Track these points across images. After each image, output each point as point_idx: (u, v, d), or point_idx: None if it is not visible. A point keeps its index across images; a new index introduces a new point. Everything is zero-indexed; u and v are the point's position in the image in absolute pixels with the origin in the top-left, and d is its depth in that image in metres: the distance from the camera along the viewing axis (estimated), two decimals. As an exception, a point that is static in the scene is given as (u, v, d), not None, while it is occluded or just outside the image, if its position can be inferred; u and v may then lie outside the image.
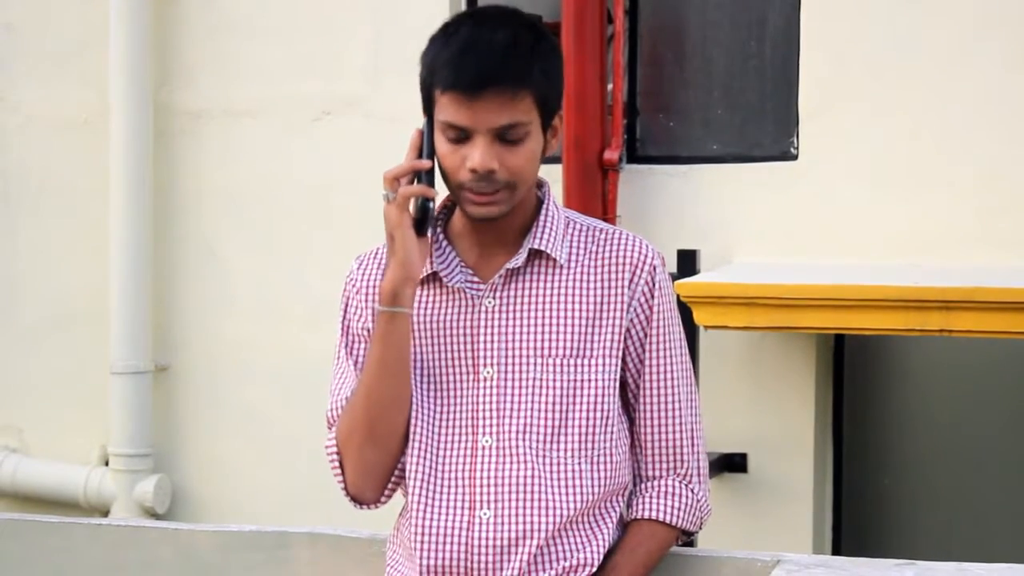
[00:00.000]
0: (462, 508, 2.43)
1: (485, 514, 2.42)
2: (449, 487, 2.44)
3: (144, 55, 5.92)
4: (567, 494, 2.43)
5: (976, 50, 5.03)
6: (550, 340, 2.44)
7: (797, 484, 5.30)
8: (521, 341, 2.45)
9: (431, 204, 2.40)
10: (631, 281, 2.47)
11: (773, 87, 5.44)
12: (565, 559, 2.43)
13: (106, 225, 5.97)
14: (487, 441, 2.44)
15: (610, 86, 5.48)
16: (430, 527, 2.43)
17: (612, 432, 2.47)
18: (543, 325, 2.45)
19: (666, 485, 2.52)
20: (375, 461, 2.47)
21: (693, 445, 2.53)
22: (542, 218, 2.47)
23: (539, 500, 2.41)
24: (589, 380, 2.45)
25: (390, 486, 2.50)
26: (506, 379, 2.44)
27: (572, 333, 2.45)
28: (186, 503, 6.07)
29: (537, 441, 2.43)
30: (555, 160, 5.26)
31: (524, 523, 2.41)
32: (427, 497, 2.45)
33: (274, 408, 5.88)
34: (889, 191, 5.14)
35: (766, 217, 5.29)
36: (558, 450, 2.44)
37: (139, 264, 5.96)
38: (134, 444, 5.97)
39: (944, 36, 5.06)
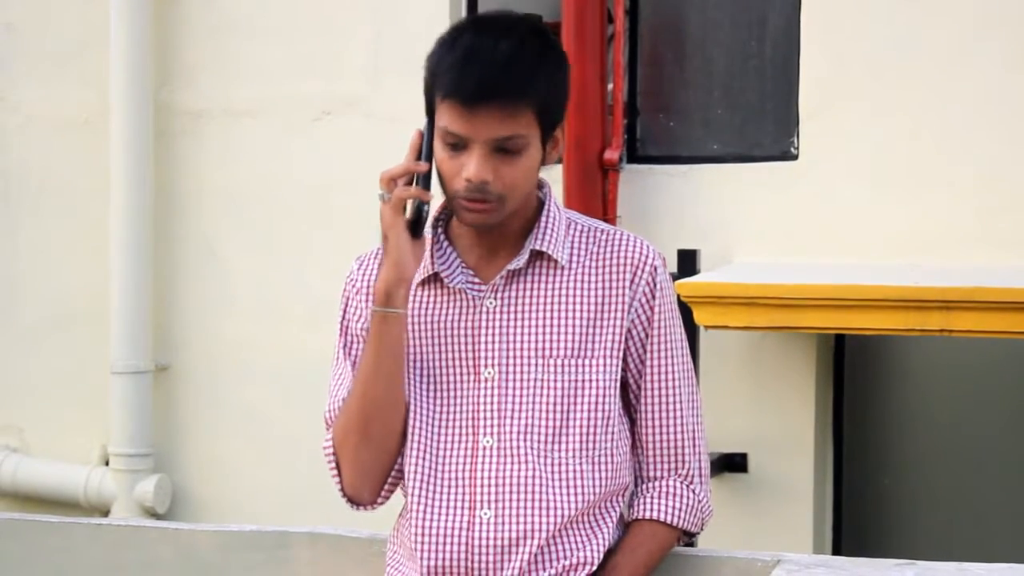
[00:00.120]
0: (462, 508, 2.43)
1: (486, 514, 2.42)
2: (449, 487, 2.45)
3: (144, 55, 5.92)
4: (568, 494, 2.43)
5: (976, 50, 5.02)
6: (551, 341, 2.45)
7: (797, 484, 5.30)
8: (522, 342, 2.45)
9: (426, 207, 2.40)
10: (632, 282, 2.47)
11: (773, 87, 5.44)
12: (565, 557, 2.43)
13: (106, 225, 5.97)
14: (488, 441, 2.44)
15: (610, 86, 5.48)
16: (430, 528, 2.43)
17: (613, 433, 2.47)
18: (544, 326, 2.45)
19: (667, 486, 2.52)
20: (371, 462, 2.48)
21: (695, 446, 2.53)
22: (543, 220, 2.47)
23: (540, 500, 2.42)
24: (590, 381, 2.45)
25: (387, 487, 2.51)
26: (507, 380, 2.45)
27: (573, 334, 2.45)
28: (186, 503, 6.07)
29: (538, 442, 2.43)
30: (556, 159, 5.26)
31: (525, 523, 2.41)
32: (427, 497, 2.45)
33: (274, 408, 5.88)
34: (889, 191, 5.14)
35: (766, 217, 5.29)
36: (559, 451, 2.44)
37: (139, 264, 5.95)
38: (134, 444, 5.97)
39: (944, 36, 5.06)
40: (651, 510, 2.51)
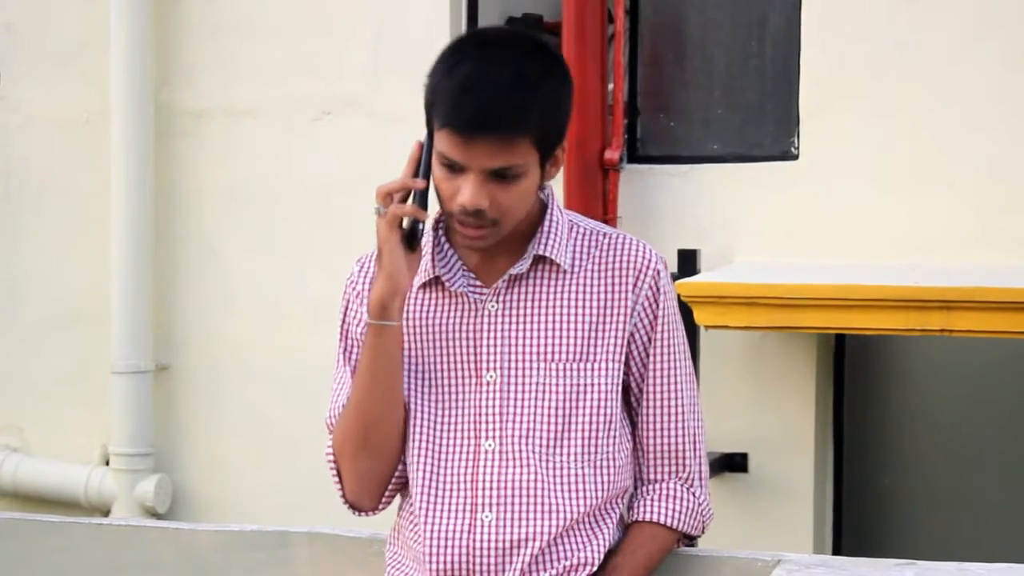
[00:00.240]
0: (464, 511, 2.44)
1: (487, 517, 2.43)
2: (451, 490, 2.45)
3: (145, 55, 5.92)
4: (569, 498, 2.43)
5: (976, 50, 5.03)
6: (552, 345, 2.45)
7: (798, 484, 5.31)
8: (523, 345, 2.45)
9: (421, 224, 2.41)
10: (635, 286, 2.47)
11: (774, 87, 5.44)
12: (566, 558, 2.44)
13: (107, 225, 5.97)
14: (490, 445, 2.44)
15: (611, 86, 5.48)
16: (435, 530, 2.44)
17: (615, 436, 2.47)
18: (546, 330, 2.45)
19: (668, 488, 2.53)
20: (370, 470, 2.48)
21: (695, 449, 2.54)
22: (546, 224, 2.47)
23: (541, 504, 2.42)
24: (592, 385, 2.45)
25: (388, 494, 2.52)
26: (508, 383, 2.45)
27: (575, 338, 2.45)
28: (187, 503, 6.07)
29: (540, 445, 2.43)
30: (555, 174, 5.26)
31: (526, 527, 2.42)
32: (431, 500, 2.45)
33: (274, 408, 5.88)
34: (890, 191, 5.14)
35: (767, 217, 5.29)
36: (561, 454, 2.44)
37: (140, 264, 5.96)
38: (135, 444, 5.97)
39: (944, 36, 5.06)
40: (651, 512, 2.51)
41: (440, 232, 2.51)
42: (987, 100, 5.02)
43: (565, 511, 2.43)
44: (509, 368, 2.45)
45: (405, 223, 2.40)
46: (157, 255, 6.01)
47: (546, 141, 2.37)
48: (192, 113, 5.99)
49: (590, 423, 2.45)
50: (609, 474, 2.47)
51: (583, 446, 2.44)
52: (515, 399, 2.44)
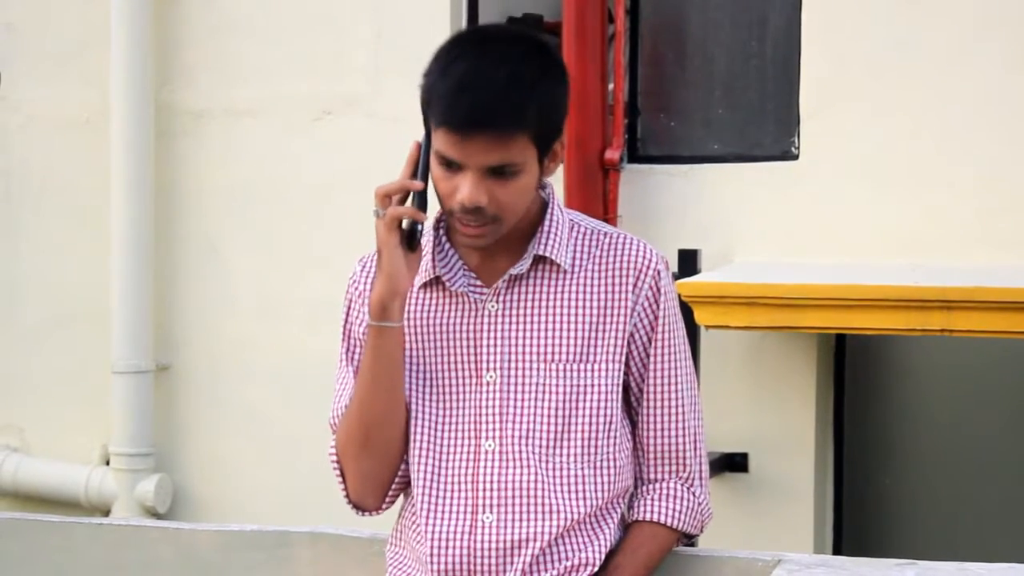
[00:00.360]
0: (465, 512, 2.44)
1: (487, 518, 2.43)
2: (452, 491, 2.45)
3: (145, 55, 5.92)
4: (570, 499, 2.43)
5: (976, 50, 5.03)
6: (553, 345, 2.44)
7: (798, 484, 5.31)
8: (523, 346, 2.45)
9: (420, 225, 2.41)
10: (635, 286, 2.47)
11: (774, 87, 5.44)
12: (567, 559, 2.44)
13: (107, 225, 5.97)
14: (490, 445, 2.44)
15: (611, 86, 5.48)
16: (436, 531, 2.44)
17: (615, 437, 2.47)
18: (546, 330, 2.45)
19: (668, 488, 2.53)
20: (373, 470, 2.48)
21: (695, 449, 2.54)
22: (547, 223, 2.47)
23: (542, 504, 2.42)
24: (592, 385, 2.45)
25: (391, 493, 2.52)
26: (508, 384, 2.45)
27: (575, 338, 2.45)
28: (187, 502, 6.07)
29: (540, 446, 2.43)
30: (555, 171, 5.26)
31: (526, 527, 2.42)
32: (432, 501, 2.46)
33: (275, 408, 5.88)
34: (890, 191, 5.14)
35: (767, 217, 5.29)
36: (561, 455, 2.44)
37: (140, 263, 5.96)
38: (135, 443, 5.97)
39: (944, 36, 5.06)
40: (652, 512, 2.51)
41: (441, 232, 2.51)
42: (987, 100, 5.02)
43: (566, 512, 2.43)
44: (509, 368, 2.45)
45: (404, 224, 2.40)
46: (157, 255, 6.01)
47: (543, 137, 2.36)
48: (192, 113, 5.99)
49: (590, 424, 2.45)
50: (609, 474, 2.46)
51: (583, 447, 2.44)
52: (515, 399, 2.44)
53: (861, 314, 4.67)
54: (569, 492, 2.43)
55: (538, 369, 2.44)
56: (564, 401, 2.44)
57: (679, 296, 2.61)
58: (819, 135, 5.22)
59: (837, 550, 5.43)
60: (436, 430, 2.47)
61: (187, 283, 6.04)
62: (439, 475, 2.46)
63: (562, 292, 2.46)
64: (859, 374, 5.52)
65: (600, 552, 2.45)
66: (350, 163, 5.70)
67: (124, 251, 5.93)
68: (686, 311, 4.54)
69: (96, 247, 6.04)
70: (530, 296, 2.46)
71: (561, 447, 2.44)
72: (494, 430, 2.44)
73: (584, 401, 2.44)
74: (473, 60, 2.34)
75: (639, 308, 2.47)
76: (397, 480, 2.50)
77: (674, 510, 2.51)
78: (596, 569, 2.45)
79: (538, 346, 2.44)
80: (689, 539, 2.60)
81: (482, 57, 2.34)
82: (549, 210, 2.48)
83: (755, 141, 5.45)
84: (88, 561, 3.12)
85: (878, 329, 4.74)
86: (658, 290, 2.48)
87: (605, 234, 2.51)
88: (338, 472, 2.51)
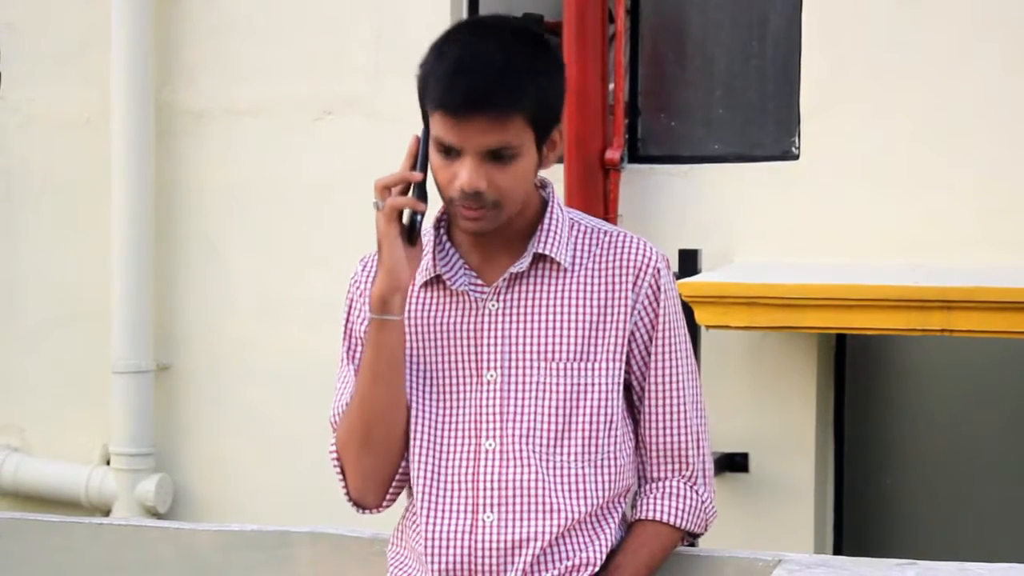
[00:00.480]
0: (465, 511, 2.43)
1: (488, 517, 2.42)
2: (452, 490, 2.45)
3: (145, 55, 5.93)
4: (571, 498, 2.43)
5: (976, 52, 5.03)
6: (553, 344, 2.44)
7: (798, 484, 5.31)
8: (524, 345, 2.44)
9: (419, 217, 2.40)
10: (635, 284, 2.46)
11: (774, 87, 5.45)
12: (568, 559, 2.43)
13: (108, 224, 5.97)
14: (490, 444, 2.44)
15: (611, 85, 5.48)
16: (436, 531, 2.44)
17: (616, 436, 2.47)
18: (546, 329, 2.45)
19: (671, 486, 2.52)
20: (374, 467, 2.48)
21: (698, 447, 2.53)
22: (547, 222, 2.46)
23: (542, 504, 2.42)
24: (593, 384, 2.45)
25: (392, 491, 2.51)
26: (509, 383, 2.44)
27: (575, 337, 2.44)
28: (187, 502, 6.07)
29: (541, 445, 2.43)
30: (556, 160, 5.26)
31: (527, 527, 2.41)
32: (431, 500, 2.45)
33: (275, 408, 5.88)
34: (890, 191, 5.14)
35: (767, 217, 5.29)
36: (562, 454, 2.44)
37: (141, 263, 5.96)
38: (136, 443, 5.97)
39: (944, 37, 5.07)
40: (654, 511, 2.51)
41: (442, 231, 2.51)
42: (987, 102, 5.02)
43: (566, 511, 2.42)
44: (510, 367, 2.45)
45: (404, 217, 2.40)
46: (157, 255, 6.01)
47: (540, 120, 2.37)
48: (193, 113, 5.99)
49: (591, 423, 2.44)
50: (610, 473, 2.46)
51: (584, 446, 2.44)
52: (515, 398, 2.44)
53: (861, 314, 4.67)
54: (570, 491, 2.43)
55: (539, 368, 2.44)
56: (565, 400, 2.44)
57: (680, 295, 2.60)
58: (819, 135, 5.22)
59: (837, 550, 5.43)
60: (436, 429, 2.47)
61: (187, 283, 6.04)
62: (439, 474, 2.46)
63: (562, 291, 2.46)
64: (859, 374, 5.52)
65: (601, 552, 2.45)
66: (350, 163, 5.70)
67: (124, 251, 5.94)
68: (686, 311, 4.54)
69: (96, 247, 6.04)
70: (530, 295, 2.46)
71: (562, 446, 2.44)
72: (495, 429, 2.44)
73: (585, 400, 2.44)
74: (469, 44, 2.35)
75: (639, 306, 2.47)
76: (398, 478, 2.50)
77: (677, 508, 2.51)
78: (597, 569, 2.45)
79: (539, 345, 2.44)
80: (693, 539, 2.59)
81: (478, 42, 2.35)
82: (549, 208, 2.48)
83: (755, 141, 5.46)
84: (88, 561, 3.12)
85: (878, 329, 4.74)
86: (658, 288, 2.48)
87: (605, 232, 2.50)
88: (339, 469, 2.51)
